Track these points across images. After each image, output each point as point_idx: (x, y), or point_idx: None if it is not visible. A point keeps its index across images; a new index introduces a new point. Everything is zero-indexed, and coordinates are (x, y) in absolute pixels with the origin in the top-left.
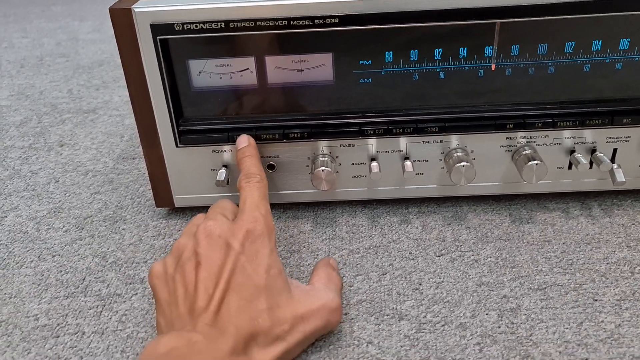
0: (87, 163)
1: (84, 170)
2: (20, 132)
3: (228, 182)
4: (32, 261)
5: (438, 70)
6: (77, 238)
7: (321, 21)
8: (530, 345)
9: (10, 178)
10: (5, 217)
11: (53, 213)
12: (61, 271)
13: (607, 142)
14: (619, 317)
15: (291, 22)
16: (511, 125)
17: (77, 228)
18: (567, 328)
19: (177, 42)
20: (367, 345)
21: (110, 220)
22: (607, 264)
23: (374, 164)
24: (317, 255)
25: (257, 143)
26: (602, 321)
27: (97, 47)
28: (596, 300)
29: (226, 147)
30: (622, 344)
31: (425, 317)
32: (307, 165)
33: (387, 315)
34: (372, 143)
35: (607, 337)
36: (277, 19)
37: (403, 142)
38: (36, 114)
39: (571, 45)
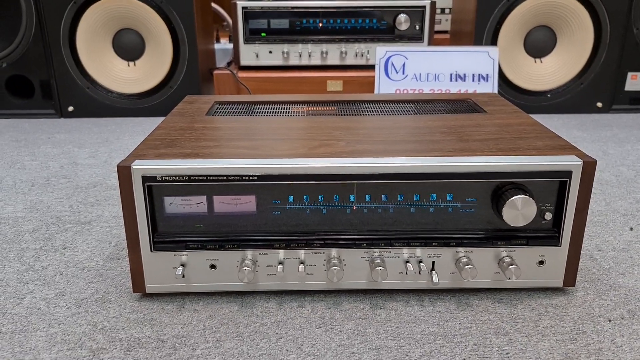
0: (84, 261)
1: (82, 266)
2: (33, 237)
3: (183, 276)
4: (44, 327)
5: (321, 208)
6: (76, 312)
7: (247, 178)
8: None
9: (27, 271)
10: (24, 297)
11: (59, 296)
12: (64, 333)
13: (428, 256)
14: None
15: (228, 177)
16: (365, 244)
17: (76, 306)
18: None
19: (158, 186)
20: None
21: (100, 301)
22: (421, 334)
23: (280, 266)
24: (239, 325)
25: (204, 251)
26: None
27: (92, 171)
28: (407, 355)
29: (184, 253)
30: None
31: None
32: (237, 266)
33: None
34: (280, 253)
35: None
36: (220, 175)
37: (301, 252)
38: (45, 224)
39: (401, 196)
